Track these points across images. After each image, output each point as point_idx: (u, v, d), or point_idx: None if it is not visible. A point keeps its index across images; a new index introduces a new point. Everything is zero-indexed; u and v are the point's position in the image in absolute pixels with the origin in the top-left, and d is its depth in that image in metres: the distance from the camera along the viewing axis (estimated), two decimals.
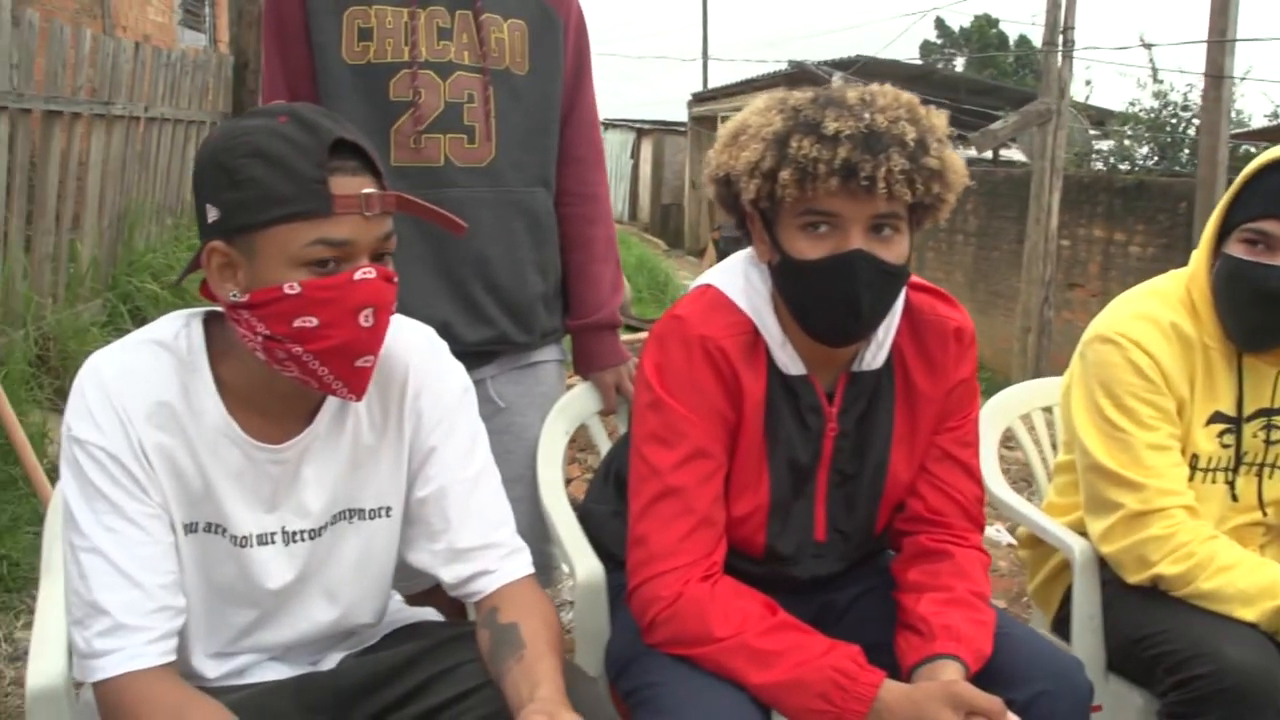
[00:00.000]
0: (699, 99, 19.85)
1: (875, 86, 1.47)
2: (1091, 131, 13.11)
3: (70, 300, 4.91)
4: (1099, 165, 12.04)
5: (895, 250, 1.45)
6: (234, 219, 1.22)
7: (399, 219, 1.82)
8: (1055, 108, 6.64)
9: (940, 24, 32.21)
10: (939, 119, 1.46)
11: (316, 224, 1.21)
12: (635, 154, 22.54)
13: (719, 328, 1.53)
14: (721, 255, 15.83)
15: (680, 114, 20.76)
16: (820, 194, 1.40)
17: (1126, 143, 11.80)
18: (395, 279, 1.28)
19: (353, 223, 1.23)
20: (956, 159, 1.46)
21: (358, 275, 1.24)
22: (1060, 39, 6.64)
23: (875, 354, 1.60)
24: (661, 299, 9.98)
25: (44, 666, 1.40)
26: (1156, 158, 11.55)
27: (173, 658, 1.28)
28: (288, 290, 1.22)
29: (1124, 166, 11.62)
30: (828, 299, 1.46)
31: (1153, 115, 11.53)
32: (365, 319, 1.25)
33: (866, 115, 1.40)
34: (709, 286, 1.59)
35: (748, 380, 1.53)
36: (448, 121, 1.86)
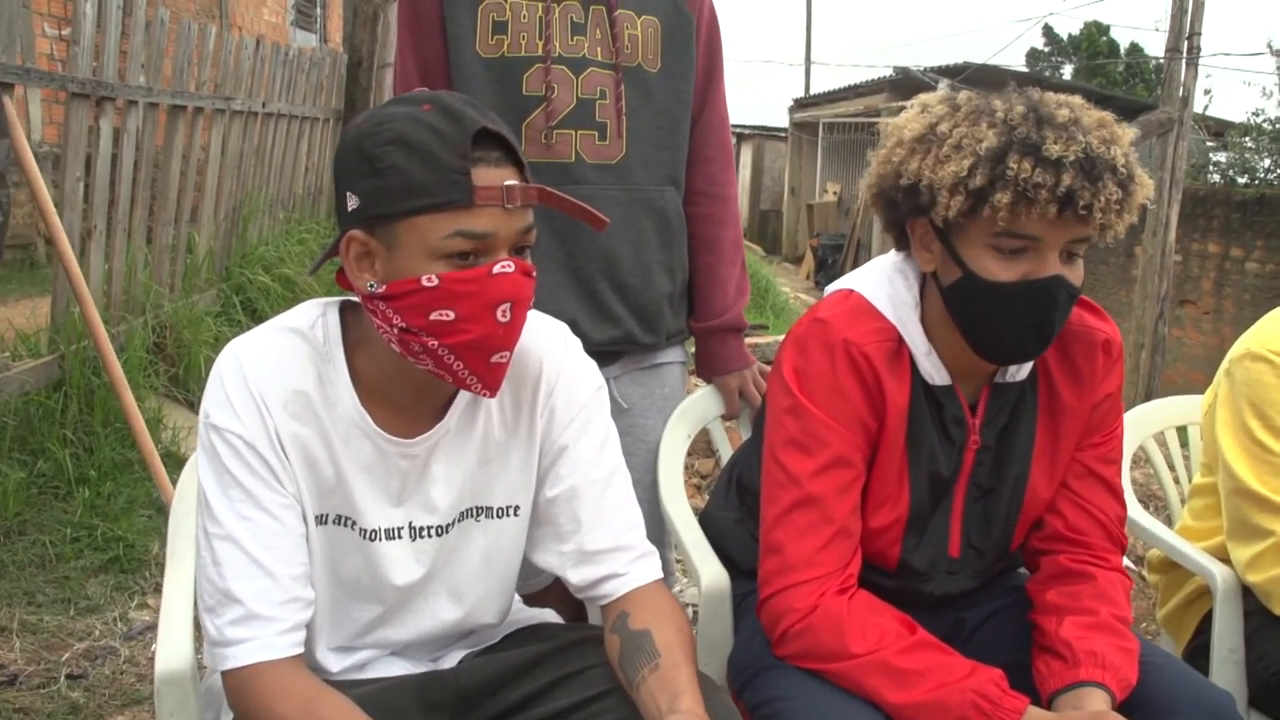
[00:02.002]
0: (801, 104, 19.73)
1: (1070, 99, 1.40)
2: (1208, 143, 12.70)
3: (186, 290, 5.02)
4: (1215, 178, 11.65)
5: (1080, 272, 1.41)
6: (373, 207, 1.21)
7: None
8: (1178, 117, 6.41)
9: (1049, 31, 31.49)
10: (1129, 134, 1.39)
11: (457, 215, 1.19)
12: (735, 159, 22.43)
13: (863, 334, 1.48)
14: (820, 263, 15.80)
15: (781, 120, 20.66)
16: (1032, 219, 1.34)
17: (1247, 154, 11.39)
18: (534, 274, 1.25)
19: (493, 215, 1.20)
20: (1148, 179, 1.39)
21: (496, 269, 1.21)
22: (1185, 45, 6.41)
23: (1020, 365, 1.54)
24: (762, 305, 9.89)
25: (171, 650, 1.41)
26: (1278, 171, 11.13)
27: (301, 649, 1.27)
28: (425, 282, 1.20)
29: (1243, 180, 11.23)
30: (1016, 322, 1.40)
31: (1278, 126, 11.11)
32: (503, 314, 1.22)
33: (1081, 137, 1.33)
34: (851, 291, 1.54)
35: (891, 389, 1.48)
36: (579, 118, 1.84)
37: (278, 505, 1.27)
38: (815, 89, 21.40)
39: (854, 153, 16.66)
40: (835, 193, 17.45)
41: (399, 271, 1.21)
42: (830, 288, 1.60)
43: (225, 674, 1.25)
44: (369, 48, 6.53)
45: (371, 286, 1.23)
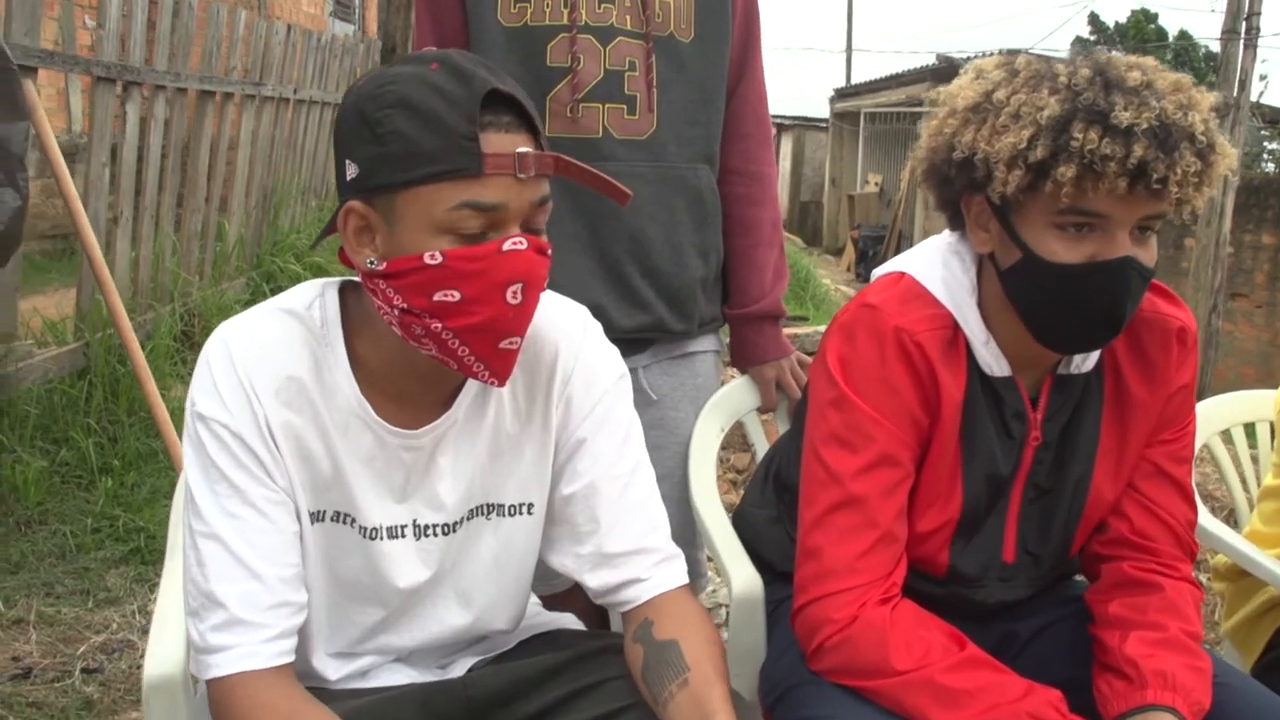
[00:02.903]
0: (841, 94, 19.53)
1: (1142, 60, 1.27)
2: (1263, 131, 12.39)
3: (216, 278, 4.98)
4: (1270, 167, 11.34)
5: (1152, 252, 1.28)
6: (374, 176, 1.10)
7: (552, 191, 1.72)
8: (1234, 101, 6.19)
9: (1094, 19, 30.92)
10: (1209, 99, 1.25)
11: (464, 185, 1.08)
12: (775, 149, 22.28)
13: (916, 320, 1.35)
14: (861, 255, 15.62)
15: (821, 110, 20.46)
16: (1100, 194, 1.21)
17: None
18: (549, 251, 1.14)
19: (504, 185, 1.09)
20: (1230, 148, 1.25)
21: (507, 245, 1.10)
22: (1243, 26, 6.19)
23: (1086, 355, 1.41)
24: (801, 296, 9.74)
25: (162, 655, 1.31)
26: None
27: (290, 658, 1.17)
28: (429, 259, 1.09)
29: None
30: (1084, 307, 1.28)
31: None
32: (513, 295, 1.11)
33: (1154, 103, 1.20)
34: (903, 274, 1.41)
35: (946, 380, 1.35)
36: (607, 90, 1.73)
37: (267, 501, 1.17)
38: (856, 78, 21.20)
39: (896, 143, 16.47)
40: (877, 184, 17.26)
41: (401, 247, 1.10)
42: (879, 270, 1.48)
43: (209, 683, 1.15)
44: (403, 34, 6.43)
45: (371, 264, 1.13)
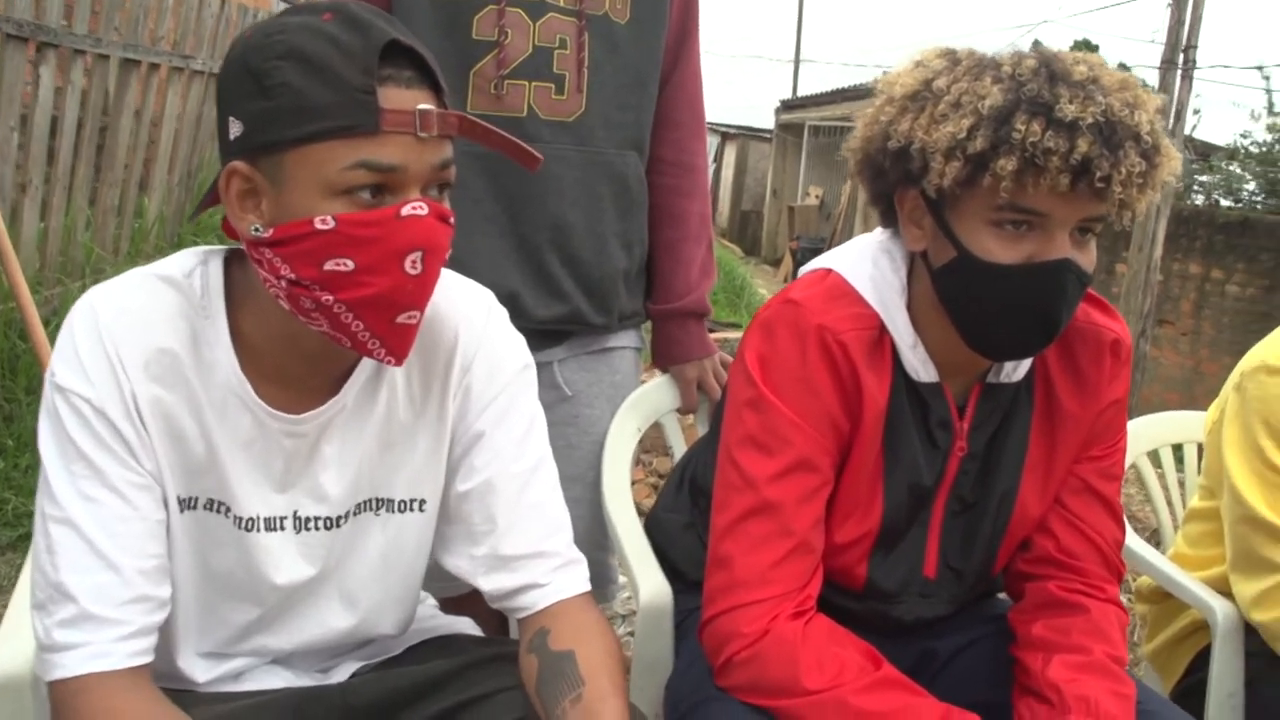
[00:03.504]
0: (788, 106, 19.60)
1: (1088, 55, 1.21)
2: (1194, 164, 12.63)
3: (132, 256, 4.79)
4: (1200, 199, 11.56)
5: (1091, 256, 1.22)
6: (260, 134, 1.00)
7: (469, 170, 1.62)
8: (1170, 130, 6.26)
9: (1037, 46, 31.44)
10: (1156, 101, 1.20)
11: (359, 143, 0.98)
12: (719, 158, 22.33)
13: (840, 319, 1.28)
14: (798, 265, 15.65)
15: (767, 121, 20.52)
16: (1040, 191, 1.15)
17: (1233, 177, 11.32)
18: (451, 219, 1.05)
19: (403, 144, 1.00)
20: (1175, 153, 1.19)
21: (406, 210, 1.00)
22: (1180, 58, 6.27)
23: (1017, 364, 1.35)
24: (737, 304, 9.72)
25: (13, 652, 1.19)
26: (1263, 195, 11.05)
27: (146, 659, 1.05)
28: (319, 225, 0.99)
29: (1226, 202, 11.14)
30: (1018, 311, 1.21)
31: (1264, 149, 11.03)
32: (412, 265, 1.01)
33: (1100, 98, 1.13)
34: (830, 271, 1.34)
35: (869, 384, 1.28)
36: (535, 67, 1.64)
37: (129, 484, 1.06)
38: (804, 88, 21.34)
39: (838, 157, 16.55)
40: (818, 196, 17.35)
41: (289, 212, 1.00)
42: (806, 267, 1.41)
43: (51, 685, 1.03)
44: None
45: (256, 230, 1.02)
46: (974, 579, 1.43)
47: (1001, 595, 1.52)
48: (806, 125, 17.95)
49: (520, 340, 1.26)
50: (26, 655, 1.18)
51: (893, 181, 1.28)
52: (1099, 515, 1.40)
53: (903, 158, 1.23)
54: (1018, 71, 1.17)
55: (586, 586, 1.22)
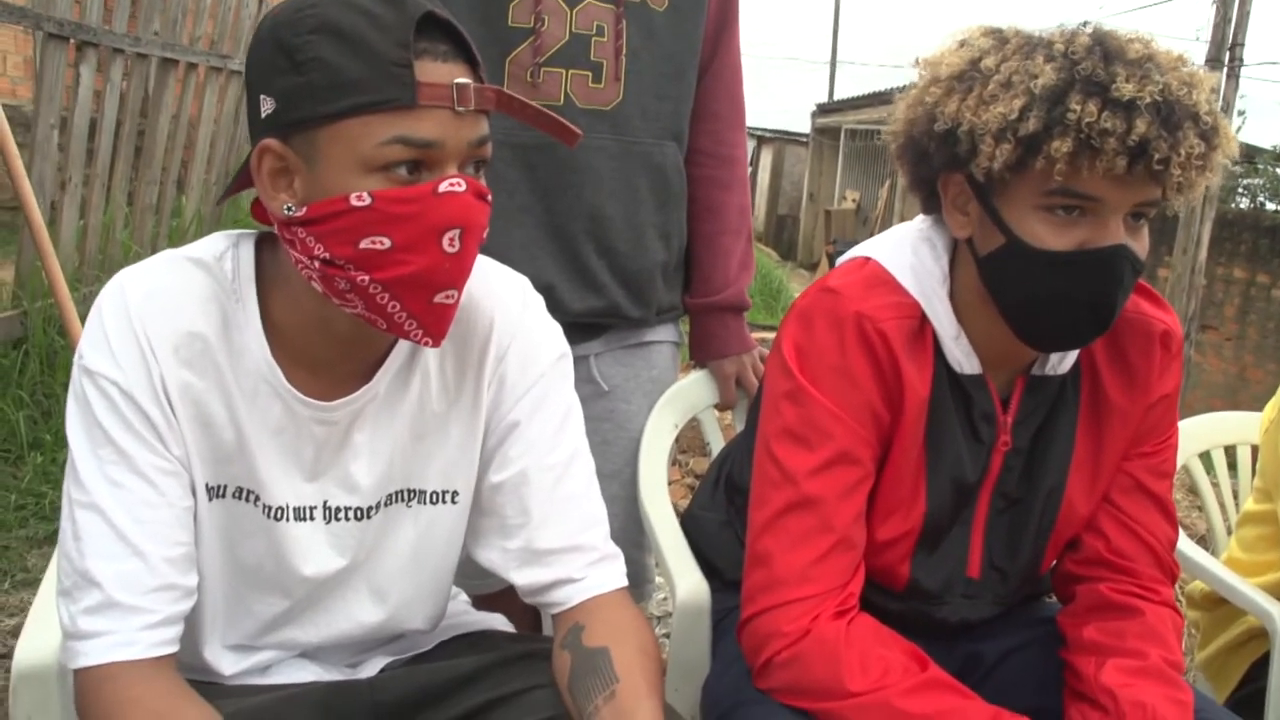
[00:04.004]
0: (823, 110, 19.50)
1: (1143, 33, 1.16)
2: (1237, 167, 12.45)
3: None
4: (1245, 202, 11.38)
5: (1144, 242, 1.18)
6: (293, 110, 0.97)
7: (503, 160, 1.60)
8: None
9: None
10: (1211, 79, 1.15)
11: (395, 118, 0.95)
12: (754, 162, 22.25)
13: (880, 307, 1.24)
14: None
15: (803, 124, 20.44)
16: (1095, 174, 1.10)
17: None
18: (489, 197, 1.02)
19: (440, 119, 0.97)
20: (1233, 134, 1.15)
21: (443, 187, 0.97)
22: (1226, 56, 6.15)
23: (1063, 356, 1.30)
24: (773, 306, 9.67)
25: (38, 641, 1.18)
26: None
27: (172, 649, 1.03)
28: (355, 201, 0.96)
29: (1272, 205, 10.96)
30: (1070, 299, 1.17)
31: None
32: (450, 243, 0.98)
33: (1157, 77, 1.09)
34: (868, 259, 1.30)
35: (910, 375, 1.24)
36: (572, 55, 1.61)
37: (157, 471, 1.04)
38: (839, 90, 21.20)
39: (875, 160, 16.45)
40: (854, 200, 17.24)
41: (323, 190, 0.98)
42: (844, 255, 1.37)
43: (76, 674, 1.01)
44: None
45: (288, 210, 1.00)
46: (1020, 579, 1.38)
47: (1051, 598, 1.47)
48: (843, 129, 17.84)
49: (556, 328, 1.23)
50: (53, 644, 1.16)
51: (937, 165, 1.23)
52: (1150, 514, 1.35)
53: (949, 140, 1.18)
54: (1071, 49, 1.12)
55: (623, 582, 1.19)
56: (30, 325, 3.57)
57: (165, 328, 1.05)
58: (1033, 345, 1.23)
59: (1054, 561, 1.40)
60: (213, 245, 1.10)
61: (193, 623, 1.10)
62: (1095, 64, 1.10)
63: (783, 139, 21.66)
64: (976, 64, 1.17)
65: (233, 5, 5.26)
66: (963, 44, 1.22)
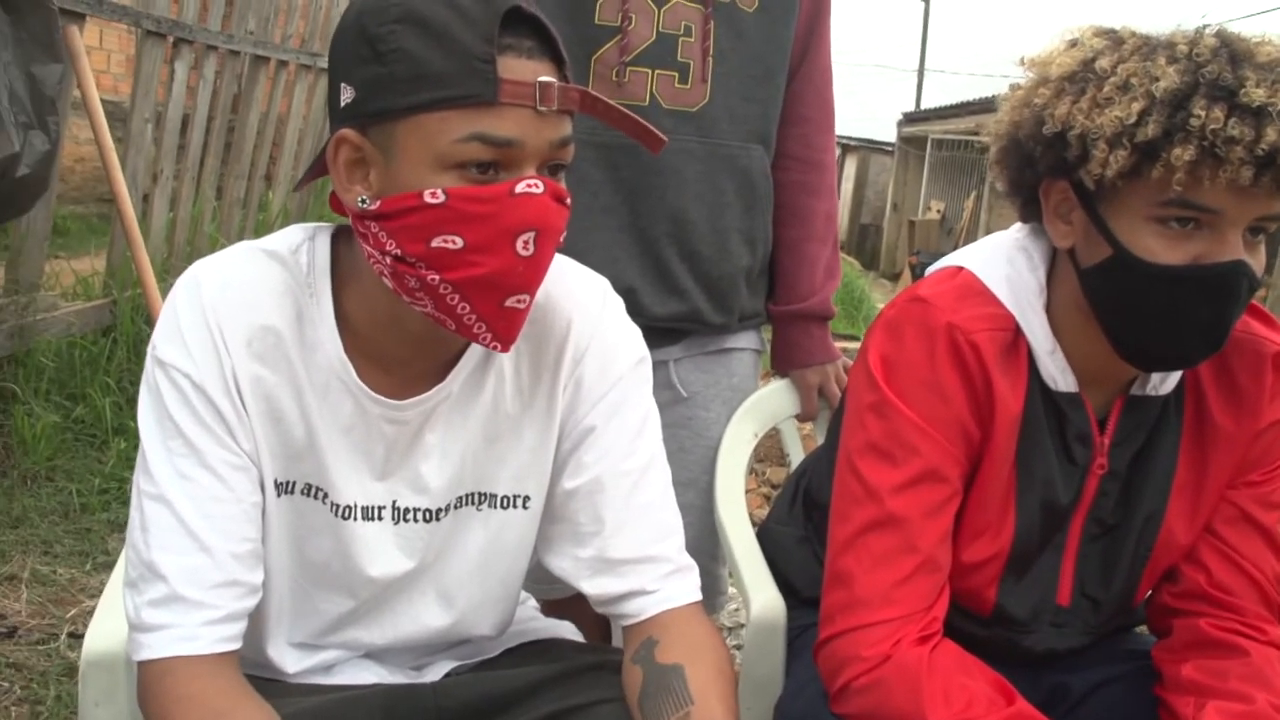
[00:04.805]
0: (910, 119, 19.27)
1: (1273, 37, 1.09)
2: None
3: None
4: None
5: (1262, 259, 1.11)
6: (372, 100, 0.95)
7: (587, 160, 1.57)
8: None
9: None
10: None
11: (475, 114, 0.93)
12: (839, 169, 22.06)
13: (973, 318, 1.18)
14: (917, 281, 15.33)
15: (888, 133, 20.22)
16: (1217, 185, 1.04)
17: None
18: (568, 200, 0.99)
19: (521, 118, 0.94)
20: None
21: (520, 188, 0.95)
22: None
23: (1165, 376, 1.24)
24: (855, 316, 9.53)
25: (107, 628, 1.19)
26: None
27: (234, 645, 1.02)
28: (429, 198, 0.94)
29: None
30: (1182, 318, 1.10)
31: None
32: (524, 246, 0.95)
33: None
34: (961, 269, 1.24)
35: (1002, 390, 1.18)
36: (658, 55, 1.58)
37: (227, 465, 1.03)
38: (926, 101, 20.96)
39: (961, 171, 16.23)
40: (939, 211, 17.01)
41: (397, 184, 0.96)
42: (935, 264, 1.31)
43: (139, 666, 1.01)
44: None
45: (363, 202, 0.98)
46: (1112, 609, 1.32)
47: (1144, 629, 1.40)
48: (930, 138, 17.62)
49: (636, 332, 1.19)
50: (121, 633, 1.16)
51: (1042, 171, 1.17)
52: (1257, 547, 1.27)
53: (1058, 144, 1.12)
54: (1195, 51, 1.06)
55: (698, 595, 1.15)
56: (119, 314, 3.65)
57: (238, 321, 1.03)
58: (1137, 365, 1.17)
59: (1149, 592, 1.33)
60: (289, 238, 1.09)
61: (258, 619, 1.09)
62: (1222, 67, 1.03)
63: (868, 147, 21.48)
64: (1090, 65, 1.11)
65: (324, 4, 5.34)
66: (1074, 44, 1.16)
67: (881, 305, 1.66)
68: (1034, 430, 1.22)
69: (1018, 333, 1.20)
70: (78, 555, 2.90)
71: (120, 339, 3.64)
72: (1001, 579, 1.26)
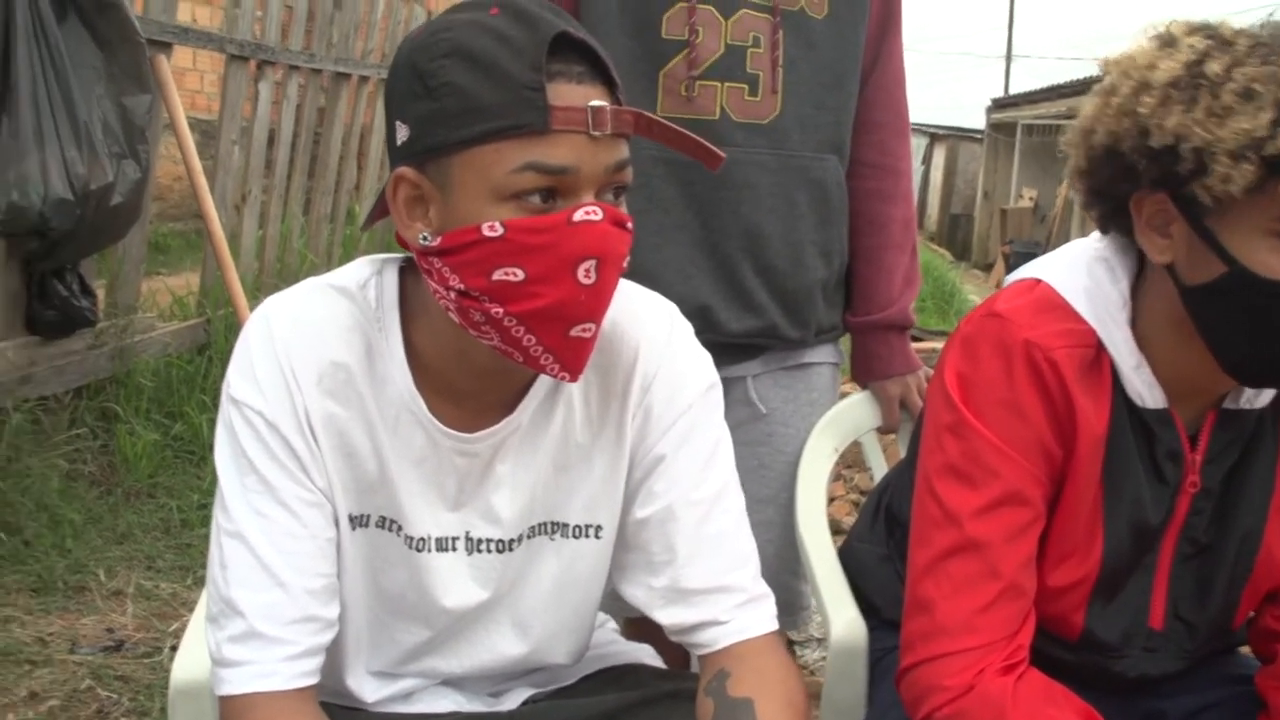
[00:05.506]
0: (999, 105, 18.92)
1: None
2: None
3: (344, 261, 4.98)
4: None
5: None
6: (426, 137, 0.95)
7: (658, 176, 1.56)
8: None
9: None
10: None
11: (528, 143, 0.92)
12: (927, 160, 21.75)
13: (1051, 334, 1.14)
14: (1011, 271, 15.04)
15: (977, 120, 19.87)
16: None
17: None
18: (629, 225, 0.98)
19: (575, 144, 0.93)
20: None
21: (578, 215, 0.94)
22: None
23: (1260, 389, 1.18)
24: (946, 310, 9.35)
25: (195, 658, 1.20)
26: None
27: (312, 680, 1.03)
28: (487, 232, 0.93)
29: None
30: None
31: None
32: (585, 274, 0.95)
33: None
34: (1038, 281, 1.20)
35: (1085, 409, 1.14)
36: (727, 68, 1.56)
37: (300, 501, 1.04)
38: (1015, 86, 20.53)
39: (1053, 157, 15.82)
40: (1031, 199, 16.67)
41: (456, 219, 0.95)
42: (1012, 276, 1.27)
43: (220, 699, 1.02)
44: None
45: (424, 239, 0.98)
46: (1209, 633, 1.26)
47: (1246, 651, 1.35)
48: (1020, 124, 17.27)
49: (706, 357, 1.18)
50: (206, 663, 1.18)
51: (1145, 183, 1.10)
52: None
53: (1168, 157, 1.05)
54: None
55: (772, 625, 1.13)
56: (213, 332, 3.74)
57: (309, 357, 1.04)
58: (1249, 381, 1.12)
59: (1249, 614, 1.27)
60: (357, 272, 1.10)
61: (337, 649, 1.10)
62: None
63: (957, 135, 21.16)
64: (1198, 69, 1.04)
65: (403, 18, 5.41)
66: (1167, 43, 1.09)
67: (975, 299, 1.61)
68: (1120, 449, 1.17)
69: (1099, 348, 1.15)
70: (179, 570, 2.99)
71: (215, 356, 3.74)
72: (1090, 602, 1.22)
